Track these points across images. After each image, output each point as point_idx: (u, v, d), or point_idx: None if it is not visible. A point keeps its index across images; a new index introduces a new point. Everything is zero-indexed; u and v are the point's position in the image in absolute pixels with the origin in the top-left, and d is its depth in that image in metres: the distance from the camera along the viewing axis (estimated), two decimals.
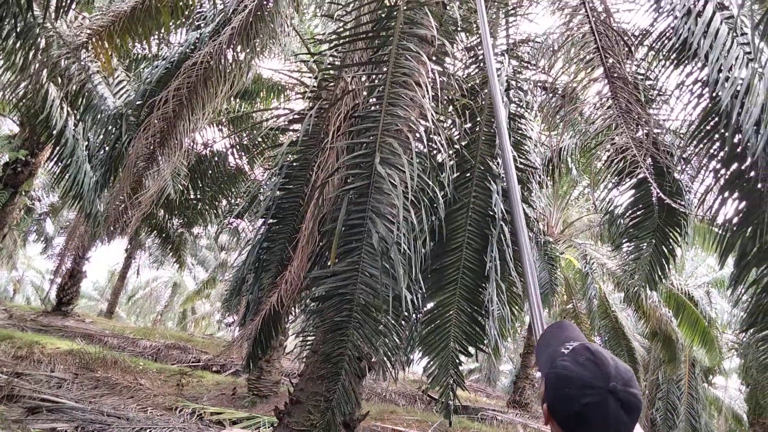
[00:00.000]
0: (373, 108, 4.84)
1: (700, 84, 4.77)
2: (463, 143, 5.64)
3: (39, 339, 13.31)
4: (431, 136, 4.79)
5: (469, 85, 5.78)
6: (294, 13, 9.53)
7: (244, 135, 12.13)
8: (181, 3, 7.39)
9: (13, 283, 36.24)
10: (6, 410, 7.98)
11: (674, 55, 4.94)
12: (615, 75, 5.34)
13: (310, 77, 9.62)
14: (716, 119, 4.66)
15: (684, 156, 5.58)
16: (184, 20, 7.79)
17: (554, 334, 1.53)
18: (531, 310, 1.85)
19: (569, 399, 1.27)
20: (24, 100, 9.19)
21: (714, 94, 4.54)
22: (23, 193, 12.63)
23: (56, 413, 8.25)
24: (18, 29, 6.79)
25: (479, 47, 6.12)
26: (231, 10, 6.83)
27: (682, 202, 5.91)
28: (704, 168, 5.05)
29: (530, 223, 5.98)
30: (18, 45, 7.21)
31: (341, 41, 5.38)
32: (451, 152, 5.37)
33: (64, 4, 6.40)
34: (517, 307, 6.25)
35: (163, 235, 16.72)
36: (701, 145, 4.90)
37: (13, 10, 6.20)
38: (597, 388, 1.26)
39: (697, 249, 17.61)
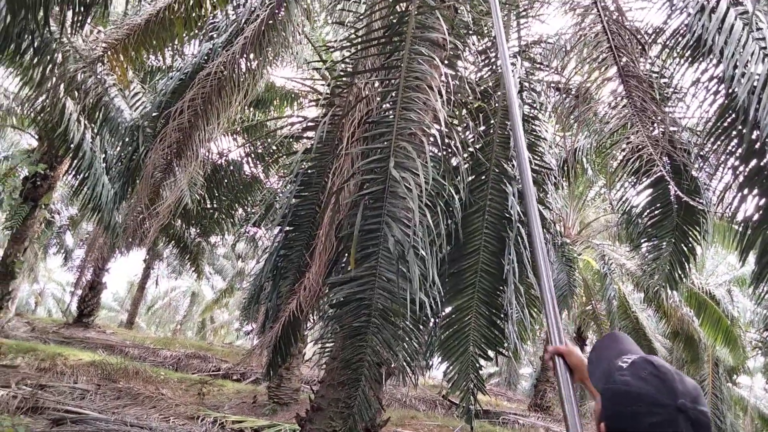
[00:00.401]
0: (386, 113, 4.85)
1: (715, 81, 4.72)
2: (478, 146, 5.63)
3: (61, 351, 13.47)
4: (445, 139, 4.79)
5: (482, 87, 5.77)
6: (305, 21, 9.59)
7: (259, 144, 12.20)
8: (194, 14, 7.46)
9: (35, 296, 36.68)
10: (31, 422, 8.07)
11: (689, 52, 4.89)
12: (629, 74, 5.31)
13: (322, 84, 9.67)
14: (733, 116, 4.60)
15: (701, 153, 5.52)
16: (197, 31, 7.86)
17: (608, 345, 1.46)
18: (546, 311, 1.76)
19: (634, 417, 1.18)
20: (42, 115, 9.34)
21: (730, 91, 4.49)
22: (43, 207, 12.81)
23: (80, 424, 8.33)
24: (35, 45, 6.90)
25: (491, 50, 6.11)
26: (243, 20, 6.89)
27: (701, 200, 5.84)
28: (722, 165, 4.99)
29: (547, 224, 5.95)
30: (35, 60, 7.33)
31: (353, 47, 5.40)
32: (465, 155, 5.36)
33: (79, 19, 6.49)
34: (536, 310, 6.21)
35: (181, 244, 16.85)
36: (718, 142, 4.84)
37: (30, 27, 6.30)
38: (665, 406, 1.17)
39: (717, 247, 17.42)
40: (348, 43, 5.53)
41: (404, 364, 4.63)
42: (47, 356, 12.34)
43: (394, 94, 4.71)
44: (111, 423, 8.41)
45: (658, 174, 5.21)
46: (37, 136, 13.55)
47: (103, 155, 9.99)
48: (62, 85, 7.88)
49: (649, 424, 1.16)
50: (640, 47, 5.58)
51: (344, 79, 5.76)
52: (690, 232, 6.37)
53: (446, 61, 4.90)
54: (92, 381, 11.12)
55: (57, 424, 8.30)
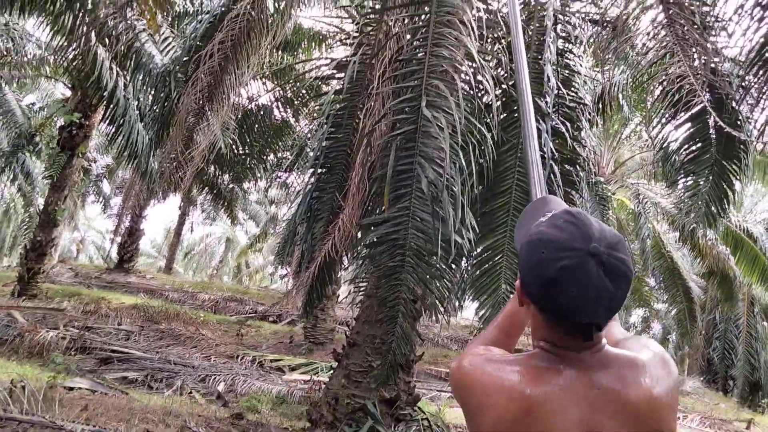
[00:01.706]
0: (417, 50, 4.78)
1: (759, 7, 4.52)
2: (510, 83, 5.52)
3: (104, 295, 13.99)
4: (477, 77, 4.71)
5: None
6: None
7: (288, 87, 12.15)
8: None
9: (76, 244, 37.85)
10: (80, 361, 8.48)
11: None
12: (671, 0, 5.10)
13: (350, 23, 9.51)
14: None
15: (743, 84, 5.33)
16: None
17: (537, 207, 1.36)
18: (531, 174, 1.62)
19: (542, 265, 1.08)
20: (74, 63, 9.41)
21: None
22: (80, 155, 13.05)
23: (126, 363, 8.74)
24: None
25: None
26: None
27: (742, 133, 5.68)
28: (764, 96, 4.83)
29: (581, 162, 5.87)
30: (66, 7, 7.33)
31: None
32: (497, 92, 5.27)
33: None
34: None
35: (215, 191, 17.09)
36: (761, 72, 4.68)
37: None
38: (575, 250, 1.06)
39: (756, 184, 17.01)
40: None
41: (437, 302, 4.71)
42: (91, 300, 12.84)
43: (424, 30, 4.62)
44: (155, 361, 8.79)
45: (699, 107, 5.07)
46: (70, 86, 13.69)
47: (137, 102, 10.07)
48: (93, 32, 7.90)
49: (558, 268, 1.06)
50: None
51: (373, 16, 5.65)
52: (729, 168, 6.20)
53: None
54: (135, 323, 11.57)
55: (104, 363, 8.71)
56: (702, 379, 17.66)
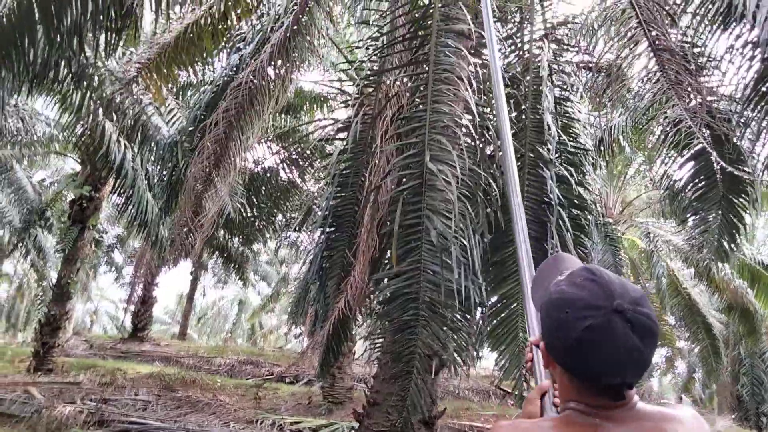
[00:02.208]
0: (417, 107, 4.88)
1: (750, 45, 4.61)
2: (511, 133, 5.60)
3: (120, 365, 13.89)
4: (478, 129, 4.79)
5: (510, 74, 5.75)
6: (329, 24, 9.68)
7: (293, 149, 12.35)
8: (221, 27, 7.61)
9: (90, 315, 37.83)
10: None
11: (720, 18, 4.79)
12: (660, 47, 5.21)
13: (350, 85, 9.74)
14: None
15: (742, 121, 5.39)
16: (225, 44, 8.02)
17: (551, 266, 1.34)
18: (523, 296, 1.53)
19: (566, 325, 1.06)
20: (83, 138, 9.67)
21: (767, 55, 4.39)
22: (91, 228, 13.20)
23: None
24: (72, 71, 7.14)
25: (517, 35, 6.08)
26: (269, 29, 7.00)
27: (746, 168, 5.70)
28: (765, 131, 4.87)
29: (588, 205, 5.89)
30: (73, 86, 7.59)
31: (379, 46, 5.45)
32: (500, 143, 5.34)
33: (112, 42, 6.70)
34: None
35: (225, 254, 17.18)
36: (759, 108, 4.74)
37: (66, 55, 6.54)
38: (600, 308, 1.04)
39: None
40: (373, 43, 5.58)
41: (455, 354, 4.66)
42: (107, 371, 12.74)
43: (423, 89, 4.74)
44: (174, 431, 8.66)
45: (699, 146, 5.11)
46: (79, 160, 13.97)
47: (145, 173, 10.26)
48: (101, 109, 8.14)
49: (584, 328, 1.03)
50: (669, 18, 5.48)
51: (372, 78, 5.80)
52: (737, 202, 6.21)
53: (473, 51, 4.91)
54: (152, 392, 11.45)
55: None
56: (733, 417, 17.15)
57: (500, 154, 5.05)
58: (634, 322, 1.04)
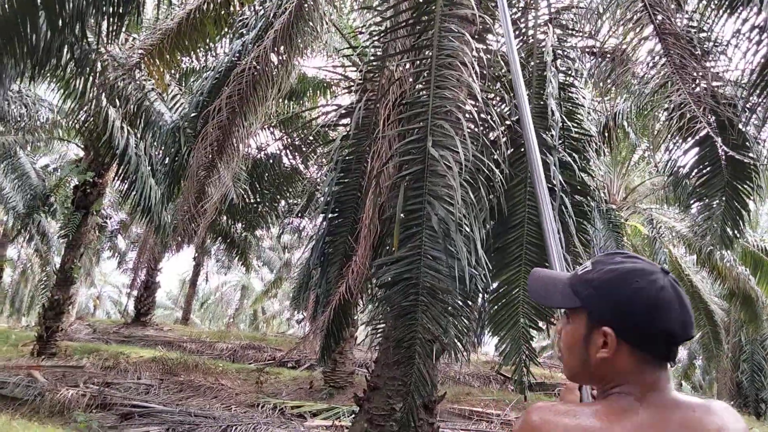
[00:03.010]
0: (420, 93, 4.86)
1: (757, 30, 4.58)
2: (515, 118, 5.58)
3: (123, 349, 13.99)
4: (482, 114, 4.77)
5: None
6: (332, 9, 9.62)
7: (296, 135, 12.33)
8: (223, 12, 7.58)
9: (93, 300, 38.00)
10: (102, 417, 8.44)
11: (726, 2, 4.75)
12: (666, 31, 5.17)
13: (353, 71, 9.70)
14: None
15: (747, 106, 5.36)
16: (227, 29, 7.99)
17: (539, 277, 1.34)
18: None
19: (641, 292, 1.10)
20: (86, 125, 9.66)
21: None
22: (94, 213, 13.23)
23: (147, 417, 8.68)
24: (75, 57, 7.11)
25: (521, 20, 6.04)
26: (272, 14, 6.96)
27: (751, 154, 5.68)
28: None
29: (591, 191, 5.88)
30: (76, 72, 7.56)
31: (382, 31, 5.41)
32: (502, 128, 5.33)
33: (114, 28, 6.66)
34: None
35: (228, 240, 17.20)
36: (765, 93, 4.71)
37: (69, 40, 6.51)
38: (655, 273, 1.12)
39: None
40: (376, 27, 5.55)
41: (455, 340, 4.68)
42: (110, 355, 12.84)
43: (426, 74, 4.71)
44: (176, 414, 8.72)
45: (704, 132, 5.09)
46: (83, 146, 13.97)
47: (148, 158, 10.25)
48: (103, 94, 8.12)
49: (658, 289, 1.10)
50: (675, 2, 5.43)
51: (375, 63, 5.77)
52: (741, 189, 6.19)
53: (477, 36, 4.88)
54: (155, 376, 11.53)
55: (125, 418, 8.66)
56: (732, 403, 17.17)
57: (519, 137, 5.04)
58: (676, 281, 1.14)
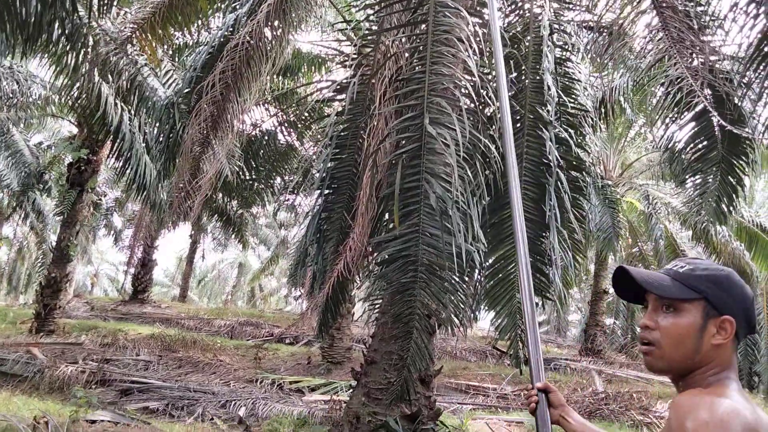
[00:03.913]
0: (416, 69, 4.82)
1: (754, 4, 4.54)
2: (511, 93, 5.55)
3: (121, 326, 14.06)
4: (478, 90, 4.75)
5: (511, 33, 5.66)
6: None
7: (291, 111, 12.24)
8: None
9: (90, 277, 38.08)
10: (101, 393, 8.51)
11: None
12: (664, 4, 5.13)
13: (348, 45, 9.61)
14: None
15: (744, 81, 5.34)
16: (220, 3, 7.89)
17: (644, 271, 1.42)
18: (527, 341, 1.77)
19: (745, 291, 1.34)
20: (79, 101, 9.57)
21: None
22: (89, 191, 13.18)
23: (147, 393, 8.75)
24: (66, 32, 7.01)
25: None
26: None
27: (747, 129, 5.67)
28: (766, 92, 4.83)
29: (587, 167, 5.88)
30: (68, 47, 7.46)
31: (377, 5, 5.35)
32: (499, 104, 5.30)
33: (106, 2, 6.58)
34: (580, 255, 6.19)
35: (224, 217, 17.19)
36: (761, 68, 4.69)
37: (59, 14, 6.42)
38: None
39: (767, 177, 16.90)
40: (372, 1, 5.48)
41: (452, 315, 4.71)
42: (108, 332, 12.90)
43: (422, 50, 4.67)
44: (175, 390, 8.80)
45: (700, 106, 5.08)
46: (76, 123, 13.86)
47: (143, 135, 10.19)
48: (96, 70, 8.03)
49: (749, 291, 1.35)
50: None
51: (370, 38, 5.72)
52: (736, 164, 6.19)
53: (472, 11, 4.83)
54: (153, 352, 11.60)
55: (125, 394, 8.73)
56: None
57: (499, 116, 5.02)
58: None
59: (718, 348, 1.28)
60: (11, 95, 12.22)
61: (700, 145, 6.29)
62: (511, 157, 2.01)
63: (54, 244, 14.15)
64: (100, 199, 19.84)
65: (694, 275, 1.33)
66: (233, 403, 8.21)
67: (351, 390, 6.98)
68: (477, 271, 5.50)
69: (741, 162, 6.17)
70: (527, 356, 1.72)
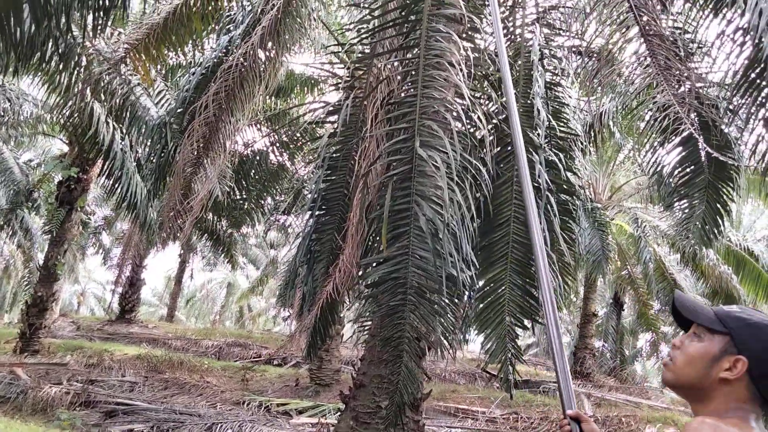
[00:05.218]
0: (408, 92, 4.87)
1: (741, 32, 4.63)
2: (501, 117, 5.61)
3: (107, 347, 13.89)
4: (469, 113, 4.79)
5: None
6: (320, 5, 9.59)
7: (283, 132, 12.29)
8: (210, 8, 7.54)
9: (77, 296, 37.68)
10: (85, 415, 8.39)
11: (711, 3, 4.80)
12: (651, 33, 5.22)
13: (341, 68, 9.69)
14: (762, 66, 4.53)
15: (730, 108, 5.42)
16: (214, 25, 7.95)
17: (691, 299, 1.57)
18: (557, 372, 1.76)
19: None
20: (71, 119, 9.55)
21: (757, 41, 4.41)
22: (79, 209, 13.11)
23: (132, 415, 8.64)
24: (60, 51, 7.03)
25: (509, 19, 6.07)
26: (259, 10, 6.93)
27: (732, 155, 5.75)
28: (752, 118, 4.91)
29: (576, 191, 5.92)
30: (61, 66, 7.47)
31: (370, 29, 5.41)
32: (489, 127, 5.35)
33: (100, 22, 6.60)
34: (570, 278, 6.21)
35: (214, 237, 17.11)
36: (747, 94, 4.77)
37: (54, 34, 6.43)
38: None
39: (755, 202, 17.08)
40: (364, 25, 5.54)
41: (442, 338, 4.69)
42: (94, 353, 12.74)
43: (414, 74, 4.72)
44: (161, 412, 8.69)
45: (687, 132, 5.15)
46: (67, 141, 13.84)
47: (134, 154, 10.17)
48: (88, 89, 8.04)
49: None
50: (660, 4, 5.48)
51: (363, 61, 5.77)
52: (723, 189, 6.27)
53: (464, 35, 4.89)
54: (139, 373, 11.47)
55: (109, 416, 8.62)
56: None
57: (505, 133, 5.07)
58: None
59: (725, 383, 1.34)
60: (2, 113, 12.20)
61: (687, 170, 6.37)
62: (528, 187, 2.05)
63: (41, 262, 14.02)
64: (89, 218, 19.73)
65: (732, 315, 1.40)
66: (219, 425, 8.11)
67: (339, 413, 6.92)
68: (467, 293, 5.50)
69: (727, 187, 6.24)
70: (557, 384, 1.74)
